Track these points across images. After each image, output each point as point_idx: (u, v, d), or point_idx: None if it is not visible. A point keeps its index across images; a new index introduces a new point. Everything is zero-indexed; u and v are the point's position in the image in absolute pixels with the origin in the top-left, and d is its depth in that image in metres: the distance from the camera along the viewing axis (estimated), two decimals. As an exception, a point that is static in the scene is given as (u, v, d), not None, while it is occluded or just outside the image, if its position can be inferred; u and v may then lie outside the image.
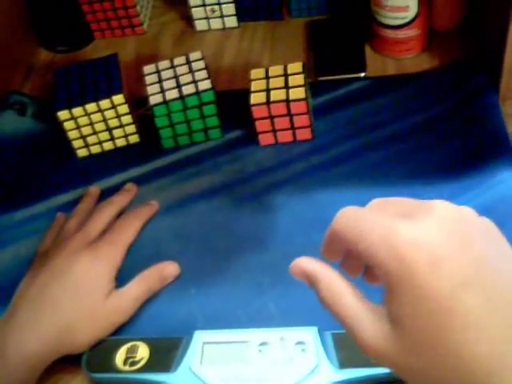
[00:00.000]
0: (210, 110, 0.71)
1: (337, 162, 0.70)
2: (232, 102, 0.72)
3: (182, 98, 0.70)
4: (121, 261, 0.62)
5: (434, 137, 0.71)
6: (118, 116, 0.72)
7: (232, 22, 0.88)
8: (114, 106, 0.71)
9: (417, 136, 0.71)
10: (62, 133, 0.72)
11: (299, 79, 0.70)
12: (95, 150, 0.75)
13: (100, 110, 0.71)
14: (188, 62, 0.73)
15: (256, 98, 0.69)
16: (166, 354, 0.55)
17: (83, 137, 0.73)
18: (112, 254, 0.61)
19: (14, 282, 0.60)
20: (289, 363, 0.53)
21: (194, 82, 0.71)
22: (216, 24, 0.88)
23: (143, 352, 0.56)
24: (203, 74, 0.72)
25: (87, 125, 0.72)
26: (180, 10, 0.91)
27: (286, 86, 0.69)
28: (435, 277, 0.31)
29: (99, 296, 0.58)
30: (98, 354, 0.56)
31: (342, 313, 0.35)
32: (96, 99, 0.71)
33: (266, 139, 0.72)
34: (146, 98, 0.71)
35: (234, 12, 0.87)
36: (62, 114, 0.71)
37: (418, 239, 0.32)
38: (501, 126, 0.70)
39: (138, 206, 0.68)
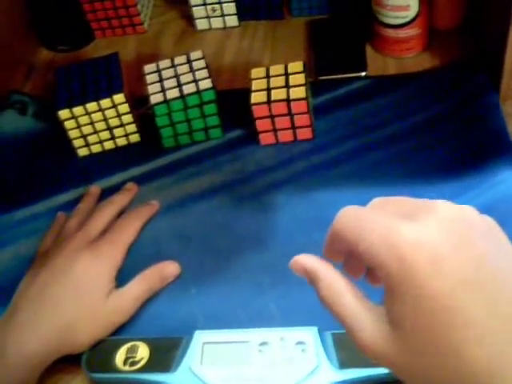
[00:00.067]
0: (210, 109, 0.71)
1: (337, 162, 0.70)
2: (232, 102, 0.72)
3: (182, 97, 0.70)
4: (121, 260, 0.62)
5: (435, 136, 0.71)
6: (119, 115, 0.72)
7: (233, 21, 0.88)
8: (114, 105, 0.71)
9: (417, 135, 0.71)
10: (63, 132, 0.72)
11: (300, 78, 0.70)
12: (96, 149, 0.75)
13: (101, 109, 0.71)
14: (189, 61, 0.73)
15: (256, 98, 0.69)
16: (166, 354, 0.55)
17: (84, 136, 0.73)
18: (112, 254, 0.61)
19: (15, 281, 0.60)
20: (289, 363, 0.53)
21: (195, 81, 0.71)
22: (217, 23, 0.88)
23: (143, 352, 0.56)
24: (204, 73, 0.72)
25: (88, 124, 0.72)
26: (181, 9, 0.91)
27: (287, 86, 0.69)
28: (435, 276, 0.31)
29: (100, 296, 0.58)
30: (98, 353, 0.56)
31: (342, 312, 0.35)
32: (97, 98, 0.71)
33: (266, 139, 0.72)
34: (146, 97, 0.71)
35: (235, 11, 0.87)
36: (63, 113, 0.71)
37: (419, 239, 0.32)
38: (501, 126, 0.69)
39: (139, 206, 0.68)
